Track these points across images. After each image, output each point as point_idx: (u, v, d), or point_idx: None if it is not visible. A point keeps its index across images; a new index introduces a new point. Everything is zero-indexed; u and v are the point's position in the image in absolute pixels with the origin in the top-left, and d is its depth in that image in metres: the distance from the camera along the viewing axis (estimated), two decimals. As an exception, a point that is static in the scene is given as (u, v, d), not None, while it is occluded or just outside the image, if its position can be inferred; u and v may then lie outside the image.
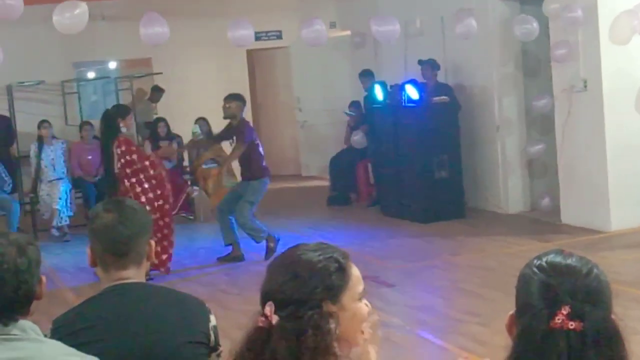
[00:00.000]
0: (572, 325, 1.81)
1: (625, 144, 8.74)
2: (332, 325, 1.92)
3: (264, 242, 8.89)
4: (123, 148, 8.14)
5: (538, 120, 10.14)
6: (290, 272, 1.98)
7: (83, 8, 7.99)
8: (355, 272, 2.04)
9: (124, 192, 8.02)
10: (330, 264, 2.00)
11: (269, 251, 8.82)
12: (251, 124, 9.08)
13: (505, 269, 7.47)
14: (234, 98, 8.94)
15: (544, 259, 1.91)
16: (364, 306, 2.04)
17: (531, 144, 9.82)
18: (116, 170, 8.19)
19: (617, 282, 6.55)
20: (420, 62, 10.55)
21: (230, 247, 8.95)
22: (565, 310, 1.82)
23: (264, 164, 8.91)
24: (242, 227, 8.82)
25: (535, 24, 9.08)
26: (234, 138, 8.95)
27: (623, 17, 8.33)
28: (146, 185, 8.18)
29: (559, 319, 1.82)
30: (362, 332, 2.02)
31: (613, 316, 1.89)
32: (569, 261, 1.89)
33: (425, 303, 7.04)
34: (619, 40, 8.41)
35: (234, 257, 8.93)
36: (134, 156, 8.15)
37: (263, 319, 1.95)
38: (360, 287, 2.03)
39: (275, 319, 1.92)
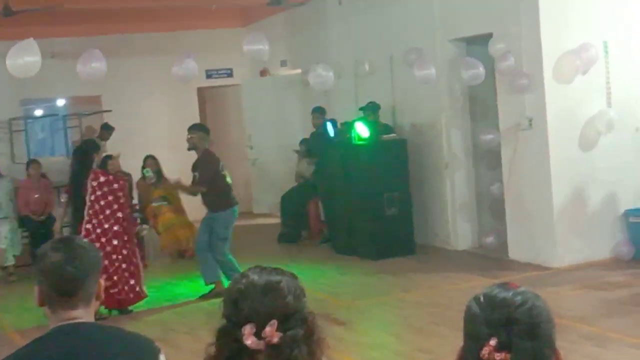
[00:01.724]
0: (498, 356, 1.84)
1: (571, 181, 8.91)
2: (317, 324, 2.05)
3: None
4: (102, 179, 8.21)
5: (485, 157, 10.29)
6: (276, 290, 2.05)
7: (36, 51, 7.98)
8: None
9: (94, 226, 8.01)
10: (293, 277, 2.12)
11: (211, 293, 8.71)
12: (215, 155, 8.97)
13: (455, 305, 7.52)
14: (197, 129, 8.97)
15: (484, 292, 1.97)
16: None
17: (493, 183, 9.88)
18: (88, 203, 8.17)
19: (564, 318, 6.65)
20: (361, 109, 10.67)
21: (213, 285, 8.85)
22: (493, 341, 1.86)
23: (231, 194, 8.85)
24: (221, 266, 8.76)
25: (481, 68, 9.26)
26: (197, 171, 8.87)
27: (566, 57, 8.54)
28: (119, 215, 8.20)
29: (486, 350, 1.86)
30: None
31: (556, 349, 1.92)
32: (504, 294, 1.94)
33: (377, 340, 7.05)
34: (563, 80, 8.62)
35: (217, 294, 8.85)
36: (115, 185, 8.26)
37: (256, 341, 1.96)
38: None
39: (277, 336, 1.96)
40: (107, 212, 8.19)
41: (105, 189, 8.19)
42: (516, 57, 8.97)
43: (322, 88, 10.39)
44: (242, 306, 2.04)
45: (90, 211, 8.21)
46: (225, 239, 8.79)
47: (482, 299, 1.94)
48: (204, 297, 8.83)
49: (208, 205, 8.85)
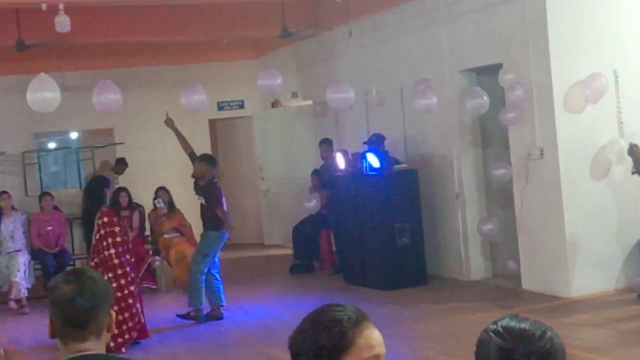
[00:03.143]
0: None
1: (583, 211, 8.88)
2: None
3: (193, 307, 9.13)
4: (105, 219, 8.28)
5: (497, 187, 10.27)
6: (304, 325, 2.13)
7: (55, 87, 8.11)
8: (365, 339, 2.09)
9: (97, 264, 8.05)
10: (333, 326, 2.08)
11: (185, 315, 9.04)
12: (219, 185, 9.40)
13: (468, 336, 7.46)
14: (205, 160, 9.37)
15: (500, 324, 1.96)
16: None
17: (483, 222, 9.87)
18: (93, 242, 8.29)
19: (577, 348, 6.59)
20: (365, 143, 10.68)
21: (209, 307, 9.17)
22: None
23: (226, 218, 9.19)
24: (190, 280, 9.09)
25: (485, 98, 9.29)
26: (203, 197, 9.22)
27: (576, 87, 8.56)
28: (125, 258, 8.22)
29: None
30: None
31: None
32: (522, 325, 1.94)
33: (389, 372, 7.00)
34: (573, 110, 8.63)
35: (213, 316, 9.13)
36: (116, 228, 8.29)
37: None
38: (365, 354, 2.08)
39: None
40: (106, 253, 8.21)
41: (108, 229, 8.23)
42: (526, 87, 8.99)
43: (343, 108, 10.50)
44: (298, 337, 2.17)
45: (95, 249, 8.27)
46: (205, 255, 9.12)
47: (501, 330, 1.93)
48: (208, 315, 9.15)
49: (205, 225, 9.30)
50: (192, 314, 9.10)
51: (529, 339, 1.90)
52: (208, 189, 9.20)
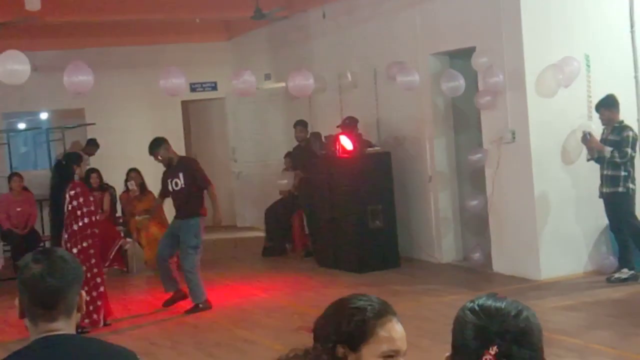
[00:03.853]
0: None
1: (553, 193, 8.95)
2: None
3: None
4: (78, 190, 8.17)
5: (469, 169, 10.32)
6: (329, 310, 2.19)
7: (24, 63, 7.99)
8: (386, 331, 2.13)
9: (72, 234, 8.00)
10: (355, 314, 2.13)
11: (194, 308, 8.78)
12: (189, 158, 9.10)
13: (440, 318, 7.52)
14: (156, 146, 8.89)
15: (476, 302, 1.97)
16: None
17: (469, 198, 9.93)
18: (65, 213, 8.15)
19: (548, 330, 6.65)
20: (338, 126, 10.66)
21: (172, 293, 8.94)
22: (492, 350, 1.87)
23: (203, 203, 8.88)
24: (187, 281, 8.73)
25: (461, 81, 9.33)
26: (180, 176, 8.79)
27: (549, 71, 8.60)
28: (88, 232, 8.12)
29: (486, 359, 1.85)
30: None
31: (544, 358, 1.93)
32: (498, 304, 1.95)
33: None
34: (545, 94, 8.68)
35: (179, 298, 8.91)
36: (90, 198, 8.26)
37: None
38: (387, 347, 2.11)
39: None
40: (81, 223, 8.13)
41: (81, 199, 8.14)
42: (499, 71, 9.02)
43: (303, 96, 10.47)
44: None
45: (67, 220, 8.15)
46: (196, 248, 8.74)
47: (477, 308, 1.94)
48: (166, 303, 8.91)
49: (182, 211, 8.76)
50: (200, 306, 8.80)
51: (503, 317, 1.91)
52: (192, 166, 8.87)
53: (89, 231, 8.14)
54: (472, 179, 10.32)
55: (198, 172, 8.90)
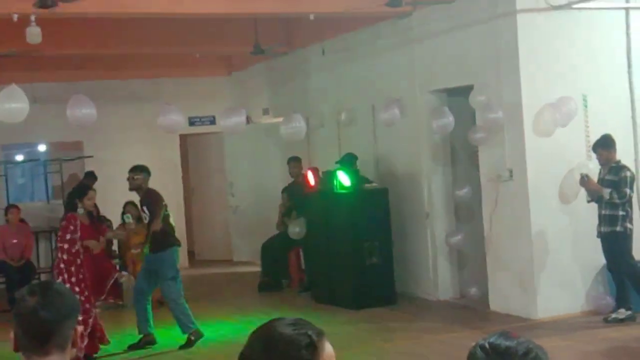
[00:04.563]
0: None
1: (550, 232, 8.94)
2: None
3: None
4: (64, 223, 8.31)
5: (466, 207, 10.32)
6: (264, 342, 2.08)
7: (23, 98, 8.04)
8: (327, 350, 2.14)
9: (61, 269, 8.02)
10: (301, 339, 2.08)
11: (188, 343, 8.71)
12: (159, 194, 8.99)
13: (435, 356, 7.48)
14: (141, 170, 9.00)
15: (488, 340, 1.98)
16: None
17: (451, 234, 9.96)
18: (59, 244, 8.27)
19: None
20: (338, 162, 10.67)
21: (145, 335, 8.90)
22: None
23: (174, 235, 8.99)
24: (173, 310, 8.72)
25: (451, 118, 9.37)
26: (144, 209, 8.90)
27: (546, 110, 8.64)
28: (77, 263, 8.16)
29: None
30: None
31: None
32: (508, 342, 1.96)
33: (356, 391, 6.96)
34: (543, 132, 8.71)
35: (147, 342, 8.82)
36: (71, 228, 8.23)
37: None
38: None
39: None
40: (65, 256, 8.17)
41: (76, 234, 8.20)
42: (496, 110, 9.05)
43: (296, 139, 10.53)
44: (244, 345, 2.13)
45: (59, 253, 8.22)
46: (174, 278, 8.73)
47: (487, 346, 1.95)
48: (133, 346, 8.81)
49: (154, 245, 8.77)
50: (192, 337, 8.75)
51: (511, 356, 1.92)
52: (151, 199, 8.82)
53: (78, 261, 8.14)
54: (468, 216, 10.31)
55: (151, 205, 8.83)
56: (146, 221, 8.90)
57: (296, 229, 11.29)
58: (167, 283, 8.72)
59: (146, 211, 8.84)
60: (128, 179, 9.02)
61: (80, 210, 8.28)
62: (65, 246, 8.15)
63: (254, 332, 2.14)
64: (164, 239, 8.77)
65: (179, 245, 9.03)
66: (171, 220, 9.00)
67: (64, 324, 2.48)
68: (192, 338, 8.73)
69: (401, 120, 10.09)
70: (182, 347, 8.73)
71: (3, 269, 11.07)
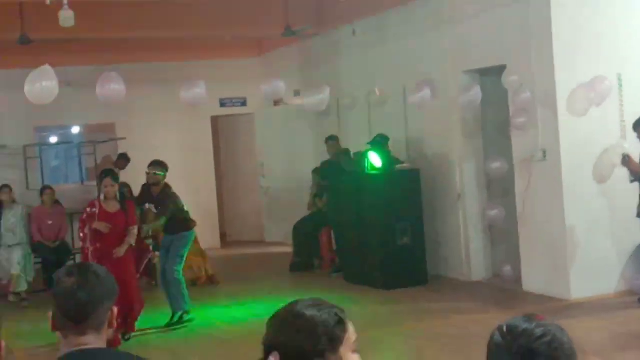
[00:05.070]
0: None
1: (585, 213, 8.87)
2: None
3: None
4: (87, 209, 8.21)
5: (499, 188, 10.26)
6: (294, 326, 2.13)
7: (53, 78, 8.08)
8: (349, 326, 2.19)
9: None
10: (331, 318, 2.14)
11: (174, 322, 8.87)
12: (173, 193, 9.23)
13: (467, 336, 7.47)
14: (162, 166, 9.11)
15: (508, 322, 1.99)
16: (357, 358, 2.19)
17: (489, 208, 9.94)
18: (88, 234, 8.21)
19: (578, 351, 6.55)
20: (369, 143, 10.65)
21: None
22: None
23: (189, 218, 9.22)
24: (172, 285, 8.88)
25: (477, 92, 9.38)
26: (153, 206, 9.06)
27: (580, 90, 8.54)
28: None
29: None
30: None
31: None
32: (526, 325, 1.95)
33: (388, 371, 6.99)
34: (577, 112, 8.62)
35: (187, 320, 8.94)
36: (84, 215, 8.19)
37: None
38: (354, 339, 2.19)
39: None
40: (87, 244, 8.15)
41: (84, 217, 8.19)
42: (530, 90, 8.98)
43: (318, 110, 10.47)
44: (267, 332, 2.18)
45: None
46: (182, 257, 9.05)
47: (505, 328, 1.96)
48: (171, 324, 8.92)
49: (171, 228, 9.02)
50: (184, 317, 8.95)
51: (527, 338, 1.91)
52: (162, 201, 9.01)
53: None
54: (502, 196, 10.25)
55: (164, 206, 9.02)
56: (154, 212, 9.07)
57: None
58: (175, 260, 8.94)
59: (154, 210, 8.96)
60: (148, 174, 9.09)
61: (102, 196, 8.20)
62: (81, 234, 8.19)
63: (277, 319, 2.18)
64: (183, 223, 9.06)
65: (195, 226, 9.27)
66: (185, 208, 9.25)
67: (100, 306, 2.53)
68: (185, 318, 8.89)
69: (433, 101, 10.04)
70: (169, 324, 8.85)
71: (39, 249, 11.22)
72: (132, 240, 8.26)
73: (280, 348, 2.12)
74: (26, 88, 8.17)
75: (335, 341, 2.13)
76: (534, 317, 1.99)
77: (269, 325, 2.19)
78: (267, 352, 2.13)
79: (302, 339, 2.11)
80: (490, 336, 1.98)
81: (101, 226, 7.99)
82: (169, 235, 9.07)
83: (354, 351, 2.20)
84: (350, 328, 2.19)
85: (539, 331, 1.92)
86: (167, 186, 9.12)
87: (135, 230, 8.35)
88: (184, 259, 9.13)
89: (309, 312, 2.15)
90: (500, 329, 1.97)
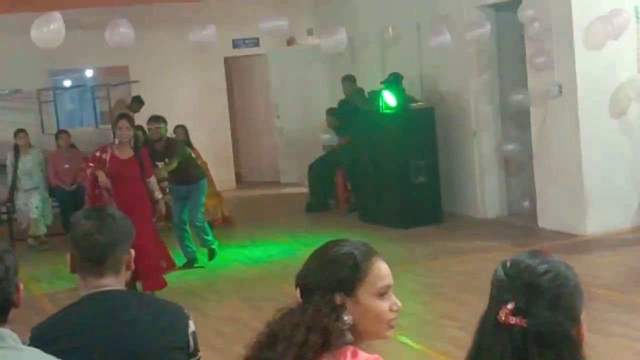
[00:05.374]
0: (513, 320, 1.85)
1: (601, 148, 8.82)
2: (341, 316, 2.08)
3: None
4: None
5: (514, 121, 10.20)
6: (314, 261, 2.19)
7: (59, 22, 8.01)
8: (376, 270, 2.19)
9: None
10: (346, 259, 2.15)
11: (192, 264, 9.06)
12: (178, 142, 9.35)
13: (482, 273, 7.49)
14: (163, 120, 8.95)
15: (512, 257, 1.97)
16: (382, 304, 2.17)
17: (506, 142, 9.90)
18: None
19: (593, 285, 6.61)
20: (383, 82, 10.55)
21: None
22: (510, 305, 1.86)
23: (200, 168, 9.39)
24: (200, 231, 9.07)
25: (487, 27, 9.23)
26: (162, 163, 8.88)
27: (597, 23, 8.42)
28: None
29: (502, 313, 1.86)
30: (389, 327, 2.20)
31: (580, 322, 1.90)
32: (530, 261, 1.93)
33: (404, 308, 7.02)
34: (594, 46, 8.50)
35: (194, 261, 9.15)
36: (90, 159, 7.90)
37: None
38: (380, 284, 2.18)
39: (297, 303, 2.15)
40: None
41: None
42: (546, 24, 8.85)
43: (336, 52, 10.36)
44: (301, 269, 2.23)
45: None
46: (203, 205, 9.26)
47: (508, 263, 1.95)
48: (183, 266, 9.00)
49: (186, 178, 8.98)
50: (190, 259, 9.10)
51: (529, 274, 1.89)
52: (175, 146, 8.98)
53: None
54: (518, 134, 10.19)
55: (171, 156, 8.90)
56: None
57: (326, 135, 11.39)
58: (198, 209, 9.07)
59: (159, 165, 8.70)
60: (151, 129, 8.90)
61: (116, 141, 7.85)
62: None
63: (312, 252, 2.24)
64: (198, 171, 9.18)
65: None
66: (192, 155, 9.36)
67: (118, 247, 2.56)
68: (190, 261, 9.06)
69: (451, 43, 9.90)
70: (183, 266, 8.95)
71: (57, 193, 11.31)
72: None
73: (301, 281, 2.18)
74: (33, 32, 8.12)
75: (343, 282, 2.13)
76: (539, 253, 1.96)
77: (308, 257, 2.25)
78: (296, 284, 2.20)
79: (314, 275, 2.15)
80: (494, 271, 1.97)
81: (100, 177, 7.53)
82: (185, 186, 9.04)
83: (381, 296, 2.18)
84: (374, 273, 2.18)
85: (542, 267, 1.89)
86: (169, 138, 9.17)
87: (156, 187, 8.02)
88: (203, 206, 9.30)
89: (332, 250, 2.19)
90: (503, 263, 1.95)
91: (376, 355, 2.12)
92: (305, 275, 2.18)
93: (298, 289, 2.17)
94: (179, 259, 8.92)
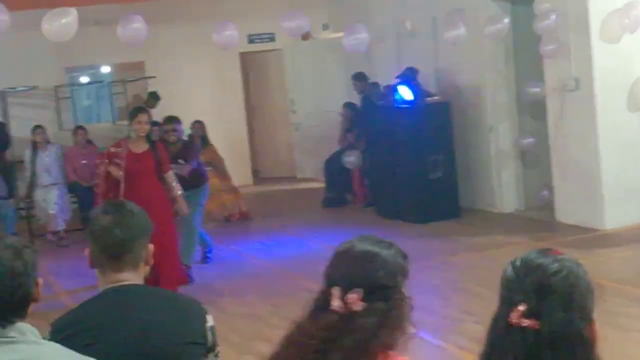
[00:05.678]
0: (525, 322, 1.81)
1: (618, 142, 8.78)
2: (407, 307, 2.12)
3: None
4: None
5: (531, 119, 10.16)
6: (370, 261, 2.13)
7: (72, 16, 8.04)
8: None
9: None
10: (399, 254, 2.19)
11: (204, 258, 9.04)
12: (194, 145, 9.29)
13: (500, 268, 7.45)
14: (179, 122, 8.81)
15: (522, 256, 1.93)
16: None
17: (523, 137, 9.87)
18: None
19: (611, 280, 6.58)
20: (398, 77, 10.51)
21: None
22: (522, 307, 1.83)
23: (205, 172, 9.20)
24: (192, 235, 8.61)
25: (506, 21, 9.16)
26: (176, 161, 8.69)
27: (614, 16, 8.37)
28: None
29: (514, 315, 1.83)
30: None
31: (592, 320, 1.86)
32: (541, 260, 1.89)
33: (423, 303, 7.00)
34: (610, 39, 8.45)
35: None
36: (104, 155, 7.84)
37: (341, 305, 2.04)
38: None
39: (360, 305, 2.04)
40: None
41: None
42: (562, 17, 8.81)
43: (358, 50, 10.33)
44: (336, 269, 2.15)
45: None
46: (203, 206, 8.97)
47: (518, 263, 1.91)
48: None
49: (194, 181, 8.67)
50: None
51: (542, 274, 1.85)
52: (193, 149, 8.99)
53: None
54: (534, 128, 10.15)
55: (188, 159, 8.82)
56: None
57: (351, 158, 11.31)
58: (200, 211, 8.77)
59: (173, 167, 8.22)
60: (168, 132, 8.64)
61: (132, 134, 7.57)
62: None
63: (345, 258, 2.17)
64: (203, 174, 9.01)
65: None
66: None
67: (136, 242, 2.57)
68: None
69: (467, 37, 9.87)
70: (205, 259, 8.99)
71: (75, 189, 11.37)
72: (183, 207, 7.70)
73: (360, 284, 2.09)
74: (44, 26, 8.15)
75: (406, 275, 2.18)
76: (550, 251, 1.91)
77: (337, 263, 2.18)
78: (330, 286, 2.13)
79: (385, 275, 2.12)
80: (503, 271, 1.93)
81: (112, 169, 7.39)
82: (194, 189, 8.57)
83: None
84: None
85: (554, 266, 1.85)
86: (185, 140, 9.05)
87: (175, 182, 7.80)
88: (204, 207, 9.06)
89: (383, 252, 2.18)
90: (513, 263, 1.91)
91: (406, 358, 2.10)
92: (367, 277, 2.10)
93: (354, 293, 2.06)
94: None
